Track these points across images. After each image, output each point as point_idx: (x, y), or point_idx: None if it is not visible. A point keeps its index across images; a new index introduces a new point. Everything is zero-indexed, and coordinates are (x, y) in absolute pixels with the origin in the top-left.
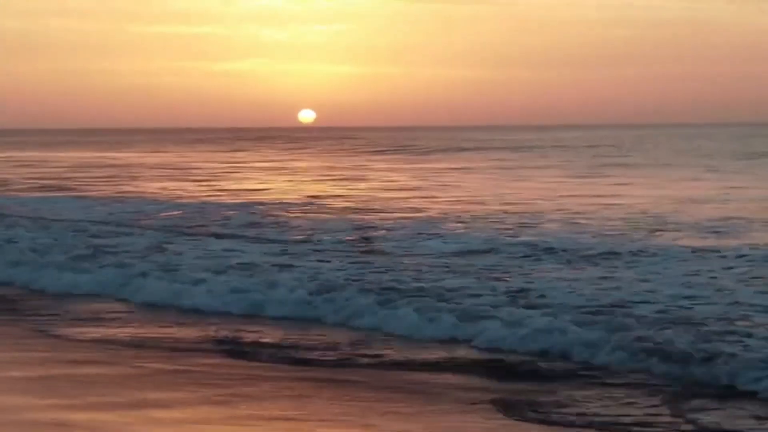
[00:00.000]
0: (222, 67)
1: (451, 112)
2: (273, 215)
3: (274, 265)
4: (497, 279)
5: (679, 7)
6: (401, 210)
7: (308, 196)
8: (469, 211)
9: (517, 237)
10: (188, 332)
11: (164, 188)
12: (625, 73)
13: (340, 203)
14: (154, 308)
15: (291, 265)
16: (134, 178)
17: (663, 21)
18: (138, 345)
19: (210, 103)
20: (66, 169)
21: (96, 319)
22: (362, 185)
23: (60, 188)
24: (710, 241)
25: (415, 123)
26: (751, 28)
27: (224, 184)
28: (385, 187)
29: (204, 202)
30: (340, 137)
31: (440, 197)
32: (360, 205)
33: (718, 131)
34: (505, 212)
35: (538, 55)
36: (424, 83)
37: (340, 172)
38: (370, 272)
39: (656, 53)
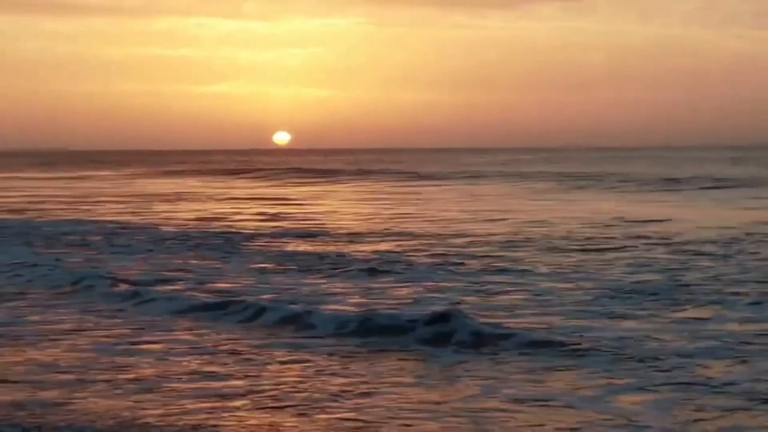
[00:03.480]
0: (199, 90)
1: (428, 134)
2: None
3: None
4: None
5: (652, 33)
6: None
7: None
8: None
9: None
10: None
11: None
12: (595, 96)
13: None
14: None
15: None
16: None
17: (635, 46)
18: None
19: (187, 125)
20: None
21: None
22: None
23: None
24: None
25: (388, 145)
26: (726, 53)
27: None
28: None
29: None
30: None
31: None
32: None
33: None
34: None
35: (513, 79)
36: (396, 106)
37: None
38: None
39: (628, 77)
